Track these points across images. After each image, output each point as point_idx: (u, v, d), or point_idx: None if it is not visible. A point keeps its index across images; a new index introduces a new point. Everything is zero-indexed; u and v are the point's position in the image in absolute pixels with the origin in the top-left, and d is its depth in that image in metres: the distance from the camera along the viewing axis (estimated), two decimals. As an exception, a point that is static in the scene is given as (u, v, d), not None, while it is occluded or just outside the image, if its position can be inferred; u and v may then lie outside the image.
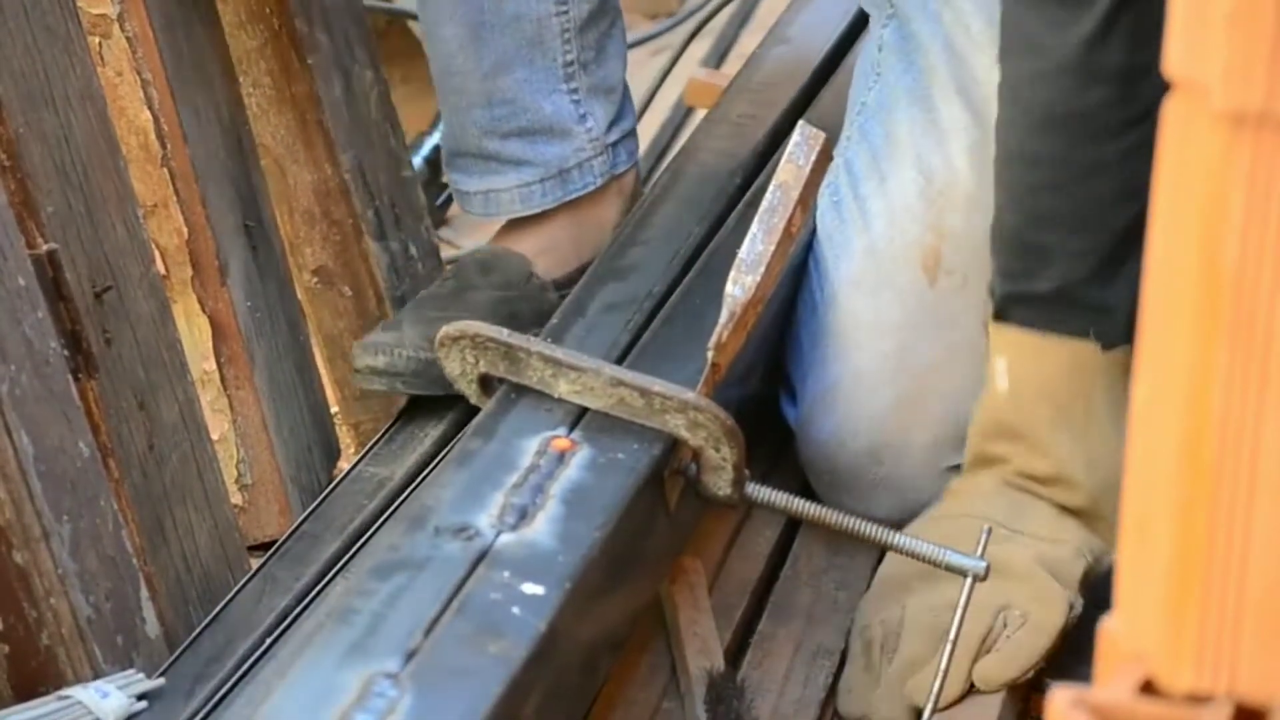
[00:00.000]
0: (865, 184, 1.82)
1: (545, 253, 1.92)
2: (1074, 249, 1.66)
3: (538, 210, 1.94)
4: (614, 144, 1.95)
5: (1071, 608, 1.66)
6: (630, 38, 3.31)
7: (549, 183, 1.92)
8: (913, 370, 1.80)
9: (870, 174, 1.82)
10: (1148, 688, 0.81)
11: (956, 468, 1.79)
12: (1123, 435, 1.66)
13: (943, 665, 1.52)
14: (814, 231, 1.86)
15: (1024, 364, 1.70)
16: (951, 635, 1.51)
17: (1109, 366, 1.68)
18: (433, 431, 1.83)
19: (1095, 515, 1.71)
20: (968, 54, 1.78)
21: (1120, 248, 1.65)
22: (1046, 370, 1.69)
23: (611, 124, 1.95)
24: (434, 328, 1.80)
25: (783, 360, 1.88)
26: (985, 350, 1.74)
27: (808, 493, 1.82)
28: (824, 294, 1.83)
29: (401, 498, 1.75)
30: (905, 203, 1.79)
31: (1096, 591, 1.70)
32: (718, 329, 1.56)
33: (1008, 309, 1.70)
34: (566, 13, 1.90)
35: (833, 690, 1.66)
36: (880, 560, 1.75)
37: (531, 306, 1.85)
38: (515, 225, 1.97)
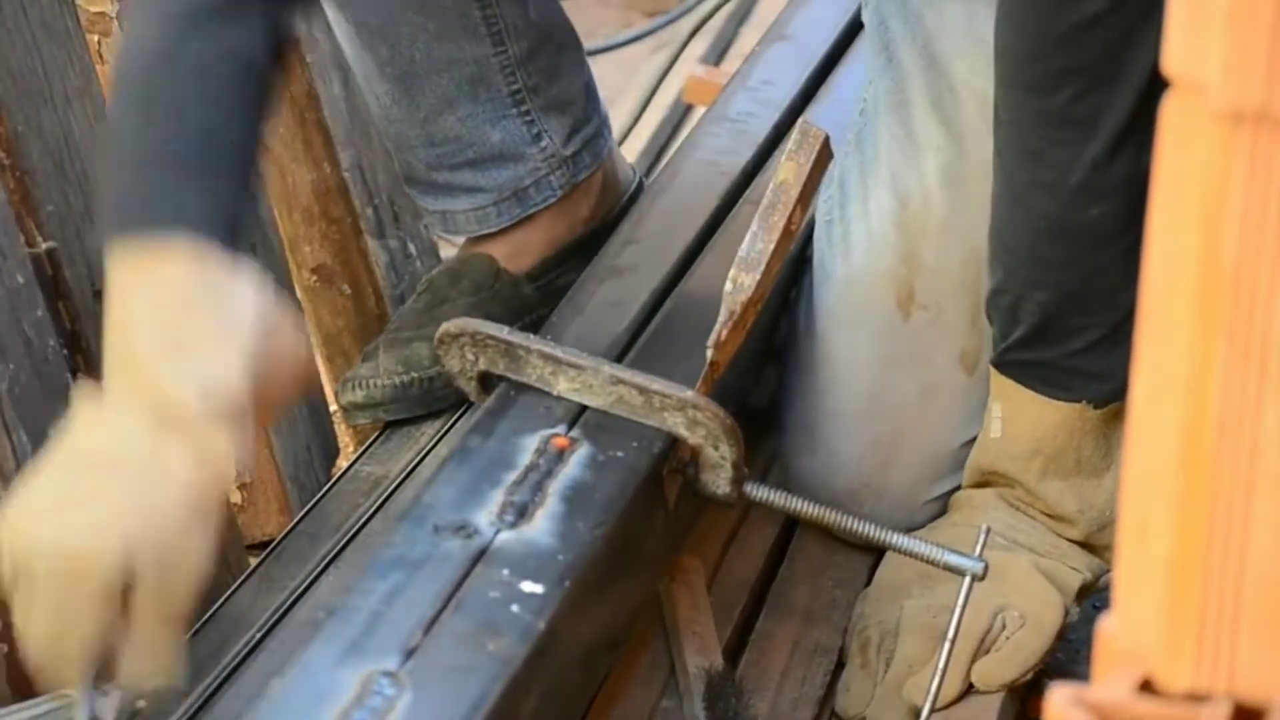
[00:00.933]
0: (851, 204, 1.77)
1: (515, 255, 1.90)
2: (1074, 328, 1.64)
3: (495, 229, 1.90)
4: (574, 154, 1.89)
5: (1067, 613, 1.66)
6: (629, 35, 3.33)
7: (504, 204, 1.87)
8: (887, 411, 1.77)
9: (857, 192, 1.77)
10: (1146, 686, 0.81)
11: (938, 498, 1.79)
12: (1115, 476, 1.67)
13: (941, 664, 1.52)
14: (810, 242, 1.83)
15: (1017, 415, 1.69)
16: (950, 634, 1.51)
17: (1103, 419, 1.68)
18: (430, 430, 1.83)
19: (1093, 546, 1.71)
20: (944, 60, 1.72)
21: (1124, 325, 1.60)
22: (1038, 425, 1.68)
23: (571, 134, 1.88)
24: (408, 348, 1.80)
25: (767, 387, 1.86)
26: (962, 385, 1.73)
27: (806, 491, 1.82)
28: (805, 325, 1.81)
29: (399, 495, 1.74)
30: (882, 230, 1.74)
31: (1095, 598, 1.71)
32: (717, 327, 1.55)
33: (1004, 365, 1.69)
34: (505, 51, 1.83)
35: (830, 689, 1.66)
36: (878, 560, 1.75)
37: (504, 306, 1.83)
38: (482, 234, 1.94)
